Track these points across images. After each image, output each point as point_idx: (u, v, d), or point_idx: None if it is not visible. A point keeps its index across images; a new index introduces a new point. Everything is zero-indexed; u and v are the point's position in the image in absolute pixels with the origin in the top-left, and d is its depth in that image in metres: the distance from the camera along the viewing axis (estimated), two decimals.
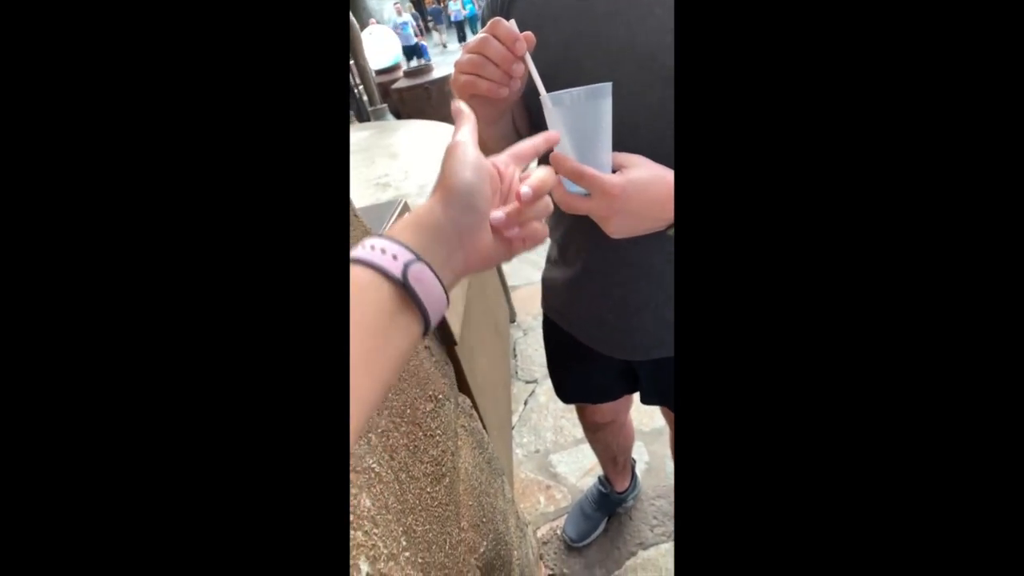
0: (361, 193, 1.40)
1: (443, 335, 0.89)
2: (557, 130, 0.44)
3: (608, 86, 0.44)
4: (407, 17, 8.44)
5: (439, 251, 0.32)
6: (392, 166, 1.59)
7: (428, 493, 0.59)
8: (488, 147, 0.55)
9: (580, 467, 1.50)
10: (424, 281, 0.30)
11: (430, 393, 0.71)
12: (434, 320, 0.31)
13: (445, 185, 0.33)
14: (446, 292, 0.32)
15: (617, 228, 0.48)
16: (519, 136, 0.65)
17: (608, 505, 1.34)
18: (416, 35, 8.61)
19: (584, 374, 0.92)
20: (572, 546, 1.30)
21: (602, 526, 1.33)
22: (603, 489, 1.33)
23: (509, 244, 0.37)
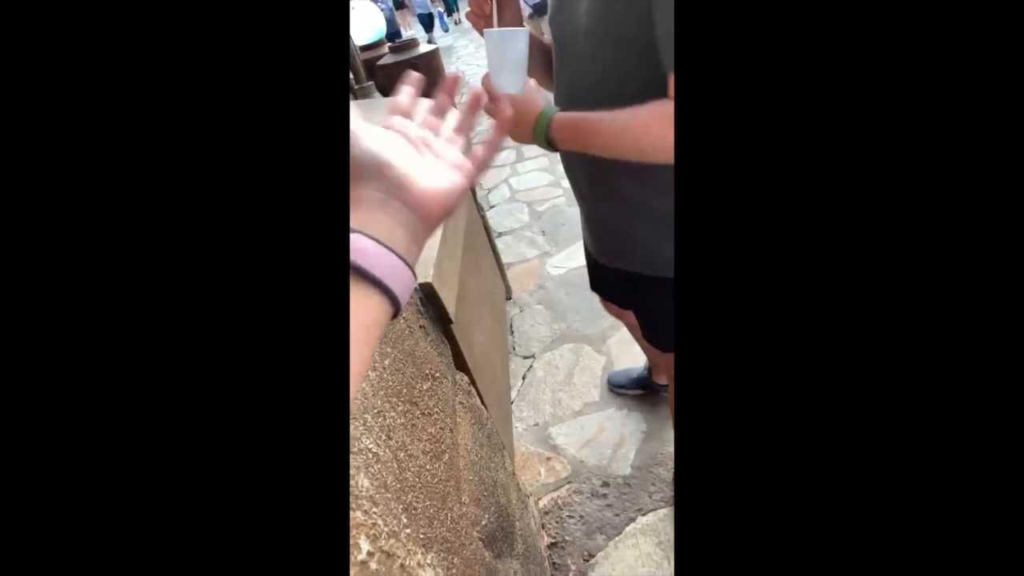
0: None
1: (438, 315, 0.89)
2: (491, 56, 0.68)
3: (517, 31, 0.67)
4: None
5: (379, 220, 0.31)
6: None
7: (427, 470, 0.60)
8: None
9: (579, 438, 1.52)
10: (366, 251, 0.29)
11: (426, 372, 0.71)
12: (400, 284, 0.31)
13: (351, 168, 0.33)
14: (402, 257, 0.31)
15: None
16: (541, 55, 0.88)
17: (641, 384, 1.56)
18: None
19: (595, 271, 1.11)
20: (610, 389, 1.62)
21: (630, 393, 1.58)
22: (644, 372, 1.55)
23: (465, 173, 0.37)
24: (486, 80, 0.66)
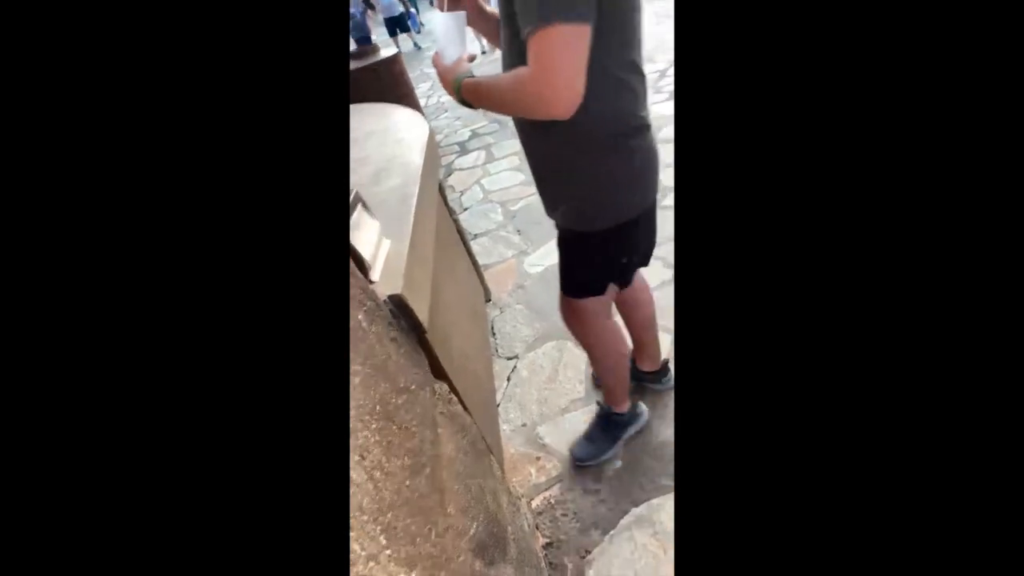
0: None
1: (411, 324, 0.87)
2: (436, 34, 0.94)
3: (450, 16, 0.90)
4: None
5: None
6: None
7: (407, 487, 0.59)
8: (481, 30, 1.07)
9: (568, 436, 1.52)
10: None
11: (401, 385, 0.70)
12: None
13: None
14: None
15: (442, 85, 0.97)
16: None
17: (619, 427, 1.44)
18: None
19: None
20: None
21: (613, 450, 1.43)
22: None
23: None
24: (434, 55, 0.96)
